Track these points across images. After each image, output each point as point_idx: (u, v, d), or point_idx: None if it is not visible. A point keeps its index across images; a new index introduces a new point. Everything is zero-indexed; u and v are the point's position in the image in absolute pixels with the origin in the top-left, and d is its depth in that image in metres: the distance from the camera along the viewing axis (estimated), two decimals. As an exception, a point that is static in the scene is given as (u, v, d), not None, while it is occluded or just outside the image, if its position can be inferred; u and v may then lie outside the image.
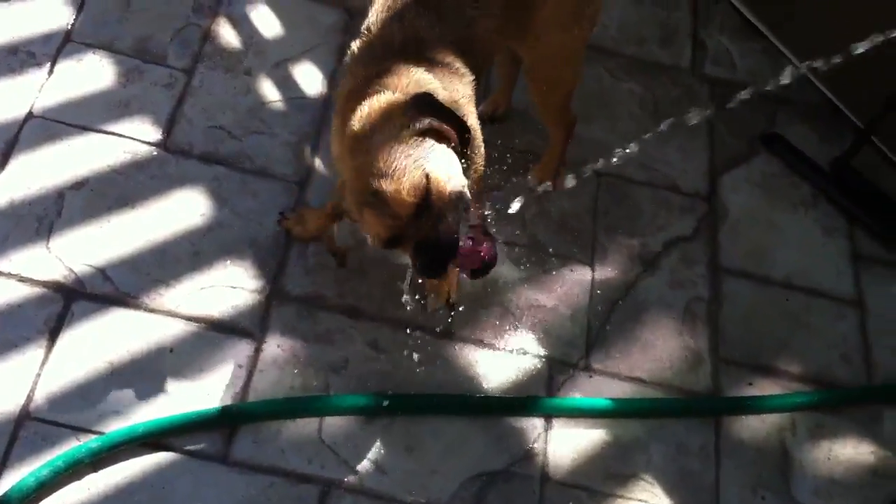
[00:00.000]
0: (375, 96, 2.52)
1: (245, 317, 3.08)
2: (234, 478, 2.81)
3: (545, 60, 3.07)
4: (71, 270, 3.04)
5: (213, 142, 3.38)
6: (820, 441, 3.17)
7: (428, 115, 2.42)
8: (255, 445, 2.87)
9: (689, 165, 3.68)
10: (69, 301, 3.00)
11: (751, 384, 3.23)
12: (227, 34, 3.64)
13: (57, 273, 3.03)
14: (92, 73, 3.45)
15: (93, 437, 2.77)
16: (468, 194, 2.45)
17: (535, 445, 3.01)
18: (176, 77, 3.50)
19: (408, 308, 2.97)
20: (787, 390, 3.23)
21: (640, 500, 2.97)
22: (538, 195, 3.30)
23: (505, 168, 3.44)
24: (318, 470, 2.86)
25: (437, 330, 3.15)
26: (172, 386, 2.92)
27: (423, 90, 2.54)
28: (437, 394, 3.04)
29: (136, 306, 3.03)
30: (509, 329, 3.20)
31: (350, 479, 2.87)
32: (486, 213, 2.86)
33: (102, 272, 3.06)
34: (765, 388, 3.23)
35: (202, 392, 2.92)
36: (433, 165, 2.38)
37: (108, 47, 3.52)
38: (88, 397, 2.86)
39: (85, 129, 3.32)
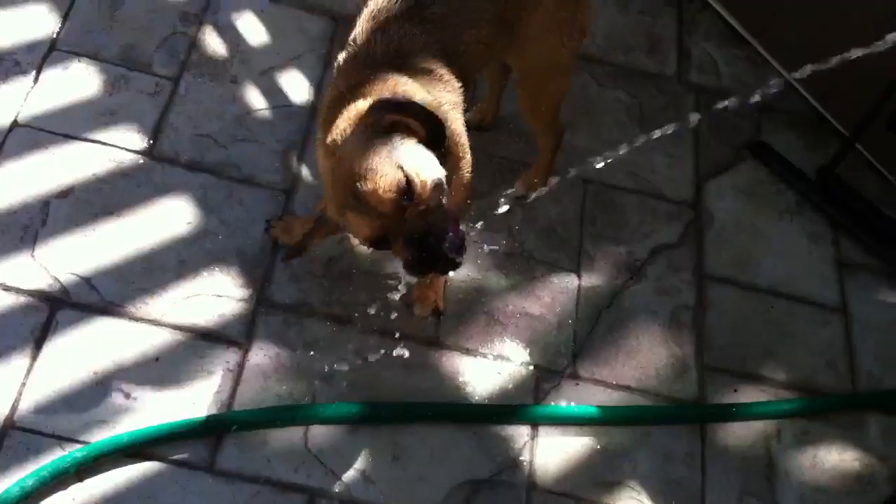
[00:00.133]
0: (353, 104, 2.53)
1: (231, 325, 3.07)
2: (220, 487, 2.80)
3: (534, 71, 3.08)
4: (56, 279, 3.04)
5: (199, 150, 3.38)
6: (805, 448, 3.18)
7: (391, 112, 2.42)
8: (241, 455, 2.86)
9: (675, 173, 3.68)
10: (54, 310, 2.99)
11: (736, 391, 3.24)
12: (214, 42, 3.64)
13: (42, 282, 3.03)
14: (77, 81, 3.44)
15: (78, 446, 2.76)
16: (445, 184, 2.45)
17: (522, 453, 3.02)
18: (162, 85, 3.50)
19: (398, 297, 2.99)
20: (772, 397, 3.24)
21: (626, 508, 2.99)
22: (525, 203, 3.31)
23: (492, 176, 3.45)
24: (305, 479, 2.86)
25: (424, 338, 3.15)
26: (158, 395, 2.91)
27: (397, 94, 2.55)
28: (424, 402, 3.04)
29: (122, 315, 3.02)
30: (496, 337, 3.20)
31: (336, 488, 2.86)
32: (472, 224, 2.87)
33: (88, 281, 3.05)
34: (750, 395, 3.24)
35: (188, 401, 2.91)
36: (406, 160, 2.38)
37: (93, 56, 3.51)
38: (74, 407, 2.85)
39: (70, 137, 3.31)
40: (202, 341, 3.03)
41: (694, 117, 3.07)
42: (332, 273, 3.21)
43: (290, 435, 2.92)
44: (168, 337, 3.01)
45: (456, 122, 2.73)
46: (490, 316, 3.24)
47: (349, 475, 2.89)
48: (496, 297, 3.28)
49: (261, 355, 3.03)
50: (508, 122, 3.62)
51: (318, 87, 3.60)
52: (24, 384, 2.85)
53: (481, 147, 3.44)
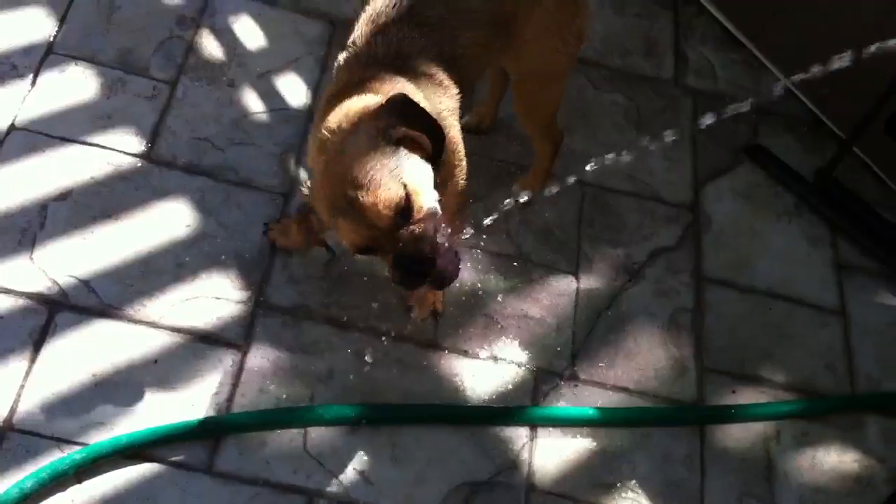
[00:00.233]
0: (355, 98, 2.52)
1: (230, 328, 3.07)
2: (219, 489, 2.80)
3: (530, 76, 3.07)
4: (54, 282, 3.03)
5: (196, 153, 3.37)
6: (804, 449, 3.18)
7: (403, 121, 2.39)
8: (240, 456, 2.86)
9: (673, 175, 3.69)
10: (53, 313, 2.99)
11: (735, 392, 3.24)
12: (211, 46, 3.64)
13: (41, 284, 3.02)
14: (75, 84, 3.44)
15: (77, 448, 2.76)
16: (439, 208, 2.44)
17: (521, 455, 3.01)
18: (159, 89, 3.50)
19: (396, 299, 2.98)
20: (771, 399, 3.24)
21: (625, 509, 2.99)
22: (523, 207, 3.31)
23: (490, 179, 3.45)
24: (304, 480, 2.86)
25: (423, 340, 3.14)
26: (157, 397, 2.91)
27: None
28: (422, 403, 3.04)
29: (120, 318, 3.02)
30: (494, 339, 3.20)
31: (335, 489, 2.86)
32: (467, 228, 2.86)
33: (86, 284, 3.05)
34: (749, 396, 3.24)
35: (187, 403, 2.91)
36: (410, 178, 2.36)
37: (90, 59, 3.51)
38: (72, 409, 2.84)
39: (68, 140, 3.31)
40: (201, 343, 3.02)
41: (707, 118, 3.06)
42: (331, 275, 3.21)
43: (288, 437, 2.92)
44: (167, 339, 3.01)
45: (453, 128, 2.73)
46: (488, 318, 3.24)
47: (348, 477, 2.88)
48: (494, 299, 3.28)
49: (259, 357, 3.03)
50: (507, 125, 3.61)
51: (316, 90, 3.60)
52: (22, 386, 2.85)
53: (479, 150, 3.47)
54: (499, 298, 3.28)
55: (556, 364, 3.19)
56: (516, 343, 3.20)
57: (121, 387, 2.90)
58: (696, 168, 3.73)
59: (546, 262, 3.39)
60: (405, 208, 2.33)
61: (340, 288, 3.19)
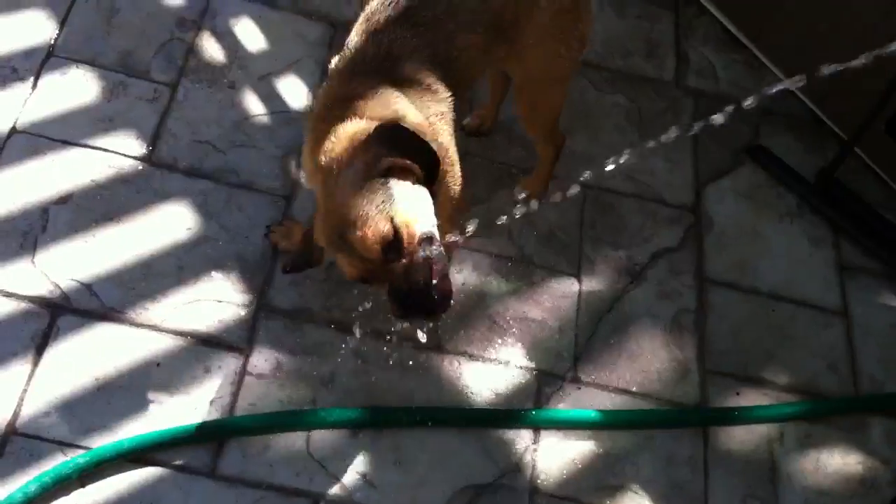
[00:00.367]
0: (342, 124, 2.51)
1: (232, 331, 3.06)
2: (222, 492, 2.80)
3: (531, 81, 3.06)
4: (56, 285, 3.03)
5: (198, 156, 3.37)
6: (808, 451, 3.17)
7: (392, 148, 2.39)
8: (243, 460, 2.85)
9: (675, 177, 3.68)
10: (55, 316, 2.98)
11: (738, 394, 3.23)
12: (212, 48, 3.63)
13: (42, 288, 3.02)
14: (76, 87, 3.43)
15: (80, 452, 2.76)
16: (437, 233, 2.44)
17: (524, 458, 3.01)
18: (160, 91, 3.49)
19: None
20: (774, 401, 3.24)
21: (629, 512, 2.98)
22: (525, 209, 3.30)
23: (491, 181, 3.44)
24: (307, 484, 2.85)
25: (425, 342, 3.13)
26: (159, 400, 2.90)
27: (390, 113, 2.53)
28: (425, 406, 3.03)
29: (123, 321, 3.02)
30: (497, 341, 3.20)
31: (338, 492, 2.86)
32: (463, 235, 2.86)
33: (88, 287, 3.04)
34: (752, 398, 3.23)
35: (189, 406, 2.91)
36: (398, 208, 2.36)
37: (91, 62, 3.50)
38: (75, 412, 2.84)
39: (69, 143, 3.31)
40: (203, 347, 3.02)
41: (718, 117, 3.05)
42: (333, 278, 3.20)
43: (291, 440, 2.91)
44: (169, 342, 3.00)
45: (443, 133, 2.71)
46: (491, 320, 3.24)
47: (351, 480, 2.88)
48: (497, 302, 3.28)
49: (262, 360, 3.02)
50: (507, 127, 3.61)
51: (316, 92, 3.59)
52: (25, 390, 2.85)
53: (480, 152, 3.47)
54: (501, 301, 3.28)
55: (558, 366, 3.19)
56: (518, 345, 3.20)
57: (123, 390, 2.90)
58: (698, 169, 3.73)
59: (548, 264, 3.39)
60: (395, 241, 2.34)
61: (343, 290, 3.18)
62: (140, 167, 3.31)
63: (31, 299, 2.99)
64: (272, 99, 3.56)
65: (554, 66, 3.01)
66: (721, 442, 3.14)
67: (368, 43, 2.66)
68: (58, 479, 2.68)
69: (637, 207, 3.58)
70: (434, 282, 2.36)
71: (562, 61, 3.00)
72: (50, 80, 3.44)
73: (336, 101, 2.60)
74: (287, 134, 3.48)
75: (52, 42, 3.52)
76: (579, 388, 3.16)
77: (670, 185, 3.66)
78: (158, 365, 2.96)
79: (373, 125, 2.46)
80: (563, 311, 3.30)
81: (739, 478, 3.09)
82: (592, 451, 3.06)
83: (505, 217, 2.91)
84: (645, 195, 3.62)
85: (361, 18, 2.73)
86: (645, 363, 3.25)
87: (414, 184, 2.43)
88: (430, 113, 2.67)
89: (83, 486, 2.73)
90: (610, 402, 3.15)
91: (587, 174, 2.93)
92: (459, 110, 2.81)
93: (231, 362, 3.01)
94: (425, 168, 2.43)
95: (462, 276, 3.27)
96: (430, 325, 3.16)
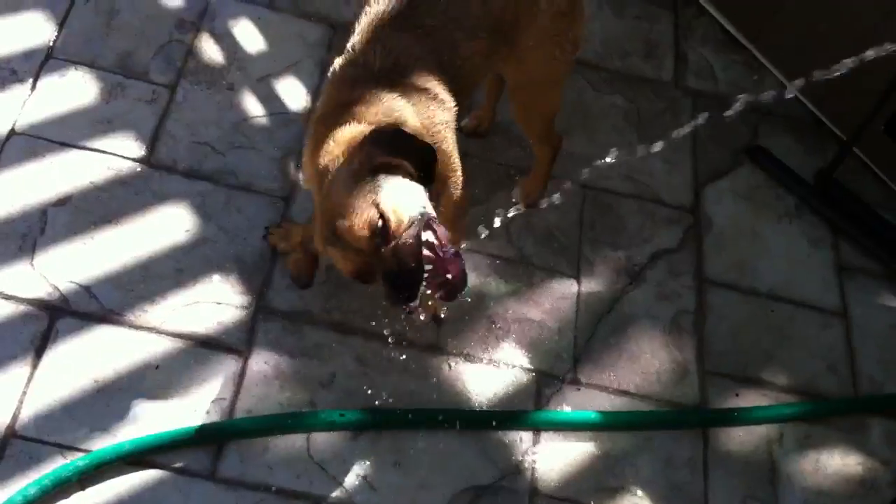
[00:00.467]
0: (342, 128, 2.54)
1: (231, 333, 3.06)
2: (222, 495, 2.79)
3: (528, 83, 3.06)
4: (55, 288, 3.02)
5: (196, 157, 3.37)
6: (807, 452, 3.17)
7: (388, 148, 2.42)
8: (242, 462, 2.85)
9: (674, 177, 3.68)
10: (54, 318, 2.98)
11: (737, 395, 3.23)
12: (210, 50, 3.63)
13: (41, 290, 3.01)
14: (74, 89, 3.43)
15: (79, 454, 2.75)
16: (431, 212, 2.45)
17: (524, 459, 3.01)
18: (159, 93, 3.49)
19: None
20: (773, 401, 3.24)
21: (629, 513, 2.98)
22: (523, 211, 3.30)
23: (490, 182, 3.44)
24: (307, 486, 2.85)
25: (425, 344, 3.14)
26: (159, 403, 2.90)
27: (391, 119, 2.55)
28: (425, 408, 3.03)
29: (122, 323, 3.01)
30: (496, 343, 3.20)
31: (338, 494, 2.85)
32: (464, 240, 2.86)
33: (87, 289, 3.04)
34: (751, 399, 3.23)
35: (189, 409, 2.90)
36: (383, 196, 2.38)
37: (90, 64, 3.50)
38: (75, 415, 2.84)
39: (68, 145, 3.30)
40: (202, 349, 3.02)
41: (728, 113, 3.05)
42: (332, 279, 3.19)
43: (291, 442, 2.91)
44: (168, 345, 3.00)
45: (446, 141, 2.72)
46: (490, 321, 3.24)
47: (351, 482, 2.88)
48: (496, 303, 3.28)
49: (261, 362, 3.02)
50: (505, 128, 3.61)
51: (316, 93, 3.59)
52: (24, 393, 2.84)
53: (478, 153, 3.47)
54: (500, 302, 3.28)
55: (557, 367, 3.19)
56: (518, 347, 3.20)
57: (123, 393, 2.90)
58: (697, 170, 3.73)
59: (547, 265, 3.39)
60: (383, 227, 2.35)
61: (342, 292, 3.18)
62: (139, 169, 3.31)
63: (29, 302, 2.99)
64: (271, 100, 3.56)
65: (550, 68, 3.02)
66: (721, 443, 3.14)
67: (373, 50, 2.66)
68: (57, 482, 2.68)
69: (636, 208, 3.58)
70: (447, 261, 2.40)
71: (557, 64, 3.02)
72: (49, 81, 3.43)
73: (338, 107, 2.61)
74: (286, 135, 3.48)
75: (51, 44, 3.52)
76: (579, 390, 3.16)
77: (669, 185, 3.66)
78: (157, 367, 2.96)
79: (366, 132, 2.48)
80: (563, 312, 3.30)
81: (739, 479, 3.09)
82: (592, 453, 3.06)
83: (504, 217, 2.92)
84: (644, 196, 3.62)
85: (364, 25, 2.72)
86: (644, 364, 3.25)
87: (406, 179, 2.45)
88: (435, 122, 2.68)
89: (83, 488, 2.73)
90: (609, 403, 3.15)
91: (586, 172, 2.94)
92: (459, 114, 2.82)
93: (230, 364, 3.00)
94: (422, 167, 2.45)
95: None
96: (441, 315, 3.18)
